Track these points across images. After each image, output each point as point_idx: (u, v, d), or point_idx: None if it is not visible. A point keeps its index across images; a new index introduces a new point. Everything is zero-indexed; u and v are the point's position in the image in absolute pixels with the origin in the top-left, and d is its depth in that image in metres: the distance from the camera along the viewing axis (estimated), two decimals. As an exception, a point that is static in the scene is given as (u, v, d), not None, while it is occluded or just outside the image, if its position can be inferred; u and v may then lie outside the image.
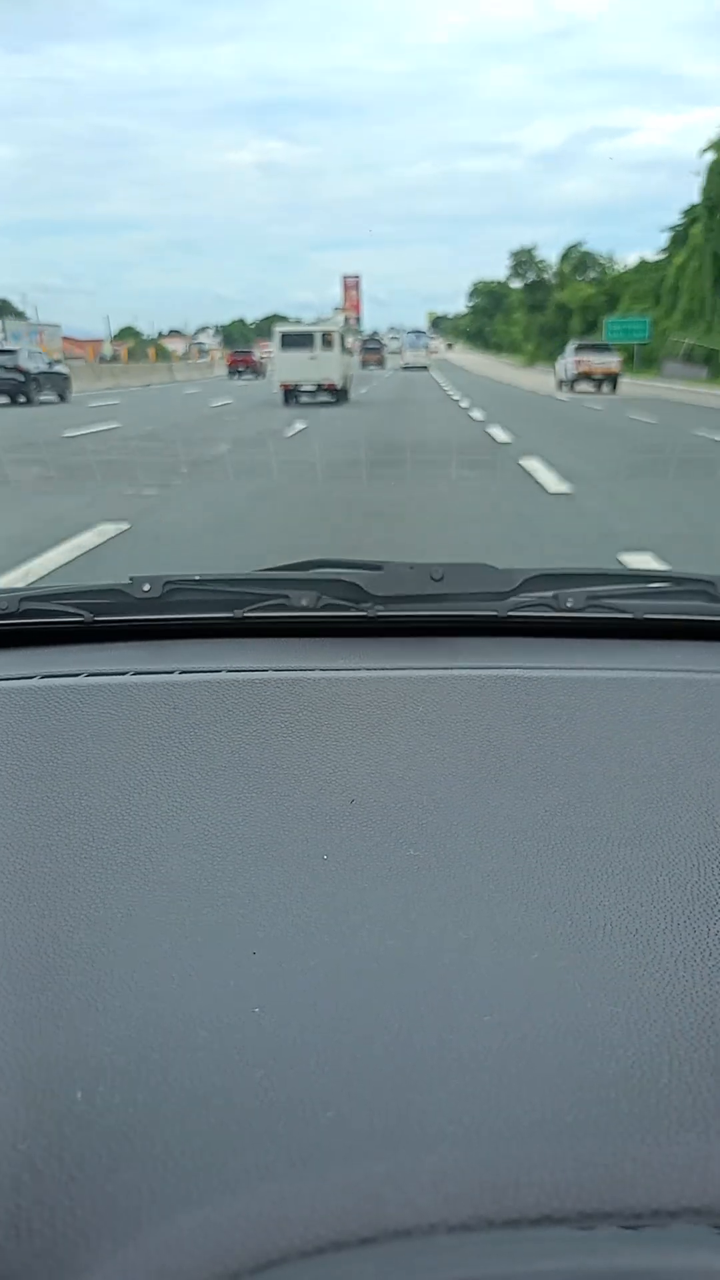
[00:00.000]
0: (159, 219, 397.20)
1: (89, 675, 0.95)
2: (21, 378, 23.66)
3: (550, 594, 1.05)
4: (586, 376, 30.99)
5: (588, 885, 0.64)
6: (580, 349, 32.41)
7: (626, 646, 1.03)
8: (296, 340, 23.39)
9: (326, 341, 23.34)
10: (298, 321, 24.05)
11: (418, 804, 0.74)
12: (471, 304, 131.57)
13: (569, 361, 32.09)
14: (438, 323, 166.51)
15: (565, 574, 1.08)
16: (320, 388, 23.08)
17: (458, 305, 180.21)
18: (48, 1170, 0.45)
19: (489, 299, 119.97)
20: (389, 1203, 0.43)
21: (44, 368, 24.99)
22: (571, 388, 30.91)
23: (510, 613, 1.04)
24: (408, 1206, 0.42)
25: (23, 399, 23.65)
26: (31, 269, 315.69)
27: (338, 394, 23.34)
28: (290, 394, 23.26)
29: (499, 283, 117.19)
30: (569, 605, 1.04)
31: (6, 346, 26.39)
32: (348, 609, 1.04)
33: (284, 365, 23.23)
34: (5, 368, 23.46)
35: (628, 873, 0.65)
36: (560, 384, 32.09)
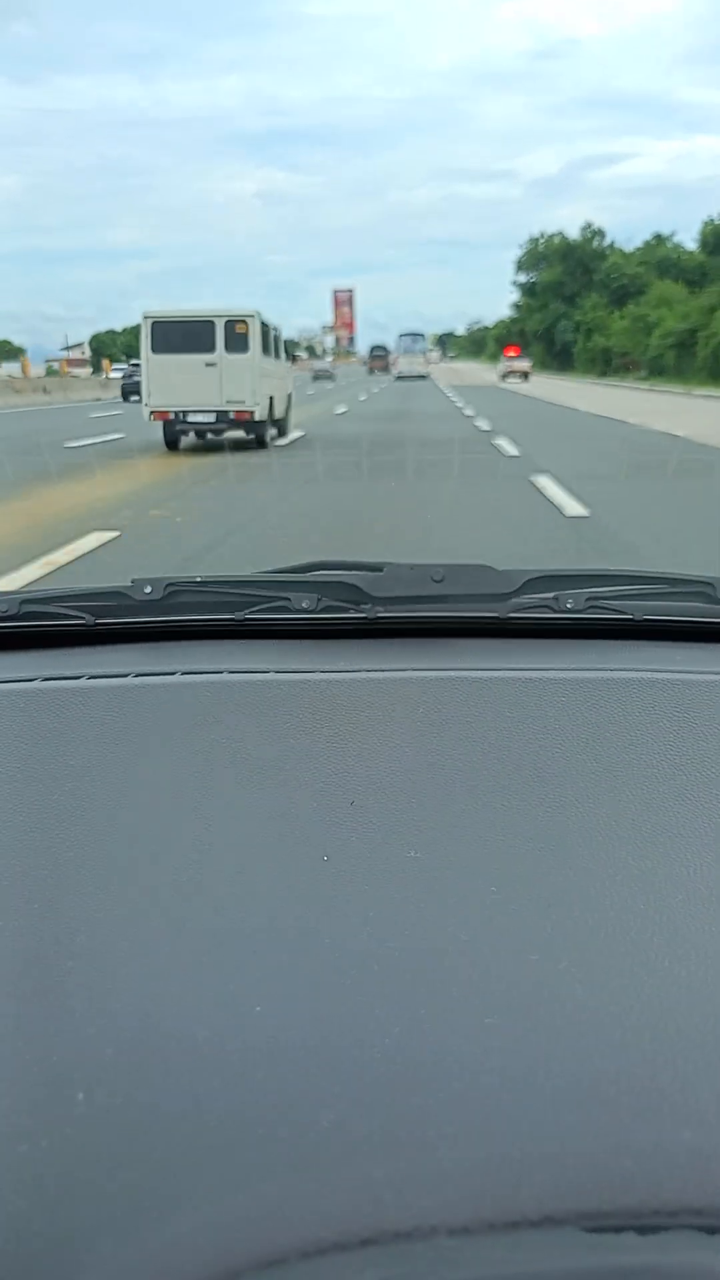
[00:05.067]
0: (161, 247, 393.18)
1: (90, 677, 0.95)
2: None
3: (550, 595, 1.05)
4: (511, 373, 58.83)
5: (588, 886, 0.65)
6: (508, 360, 61.30)
7: (626, 648, 1.04)
8: (178, 336, 12.64)
9: (235, 337, 12.58)
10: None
11: (418, 805, 0.74)
12: (528, 281, 72.90)
13: (502, 367, 60.92)
14: (443, 339, 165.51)
15: (565, 575, 1.09)
16: (224, 418, 12.70)
17: (462, 323, 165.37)
18: (48, 1171, 0.45)
19: (565, 269, 64.36)
20: (389, 1204, 0.42)
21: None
22: (503, 379, 57.75)
23: (511, 614, 1.05)
24: (408, 1208, 0.42)
25: (135, 398, 31.56)
26: (34, 297, 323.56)
27: (257, 428, 13.04)
28: (174, 429, 13.05)
29: (592, 232, 60.59)
30: (569, 606, 1.04)
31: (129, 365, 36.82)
32: (348, 610, 1.05)
33: (159, 379, 12.71)
34: (132, 380, 31.88)
35: (628, 874, 0.66)
36: (501, 376, 59.69)
